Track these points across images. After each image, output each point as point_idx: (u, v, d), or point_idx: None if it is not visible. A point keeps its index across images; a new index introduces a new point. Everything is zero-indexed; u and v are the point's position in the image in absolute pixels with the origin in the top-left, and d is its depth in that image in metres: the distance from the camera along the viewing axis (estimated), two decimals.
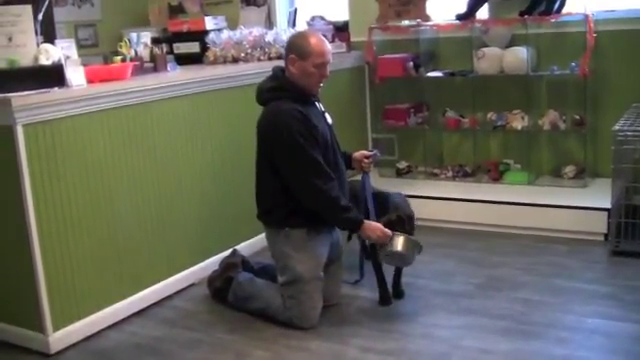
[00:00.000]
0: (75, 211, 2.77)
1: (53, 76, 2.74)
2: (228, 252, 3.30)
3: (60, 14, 4.48)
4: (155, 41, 3.89)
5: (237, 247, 3.41)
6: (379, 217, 2.88)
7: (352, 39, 4.66)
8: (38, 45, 2.81)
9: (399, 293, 3.04)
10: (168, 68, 3.46)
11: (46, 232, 2.66)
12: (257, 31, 4.12)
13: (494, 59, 4.15)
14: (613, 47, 3.99)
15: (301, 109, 2.79)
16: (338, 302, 3.01)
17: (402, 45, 4.55)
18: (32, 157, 2.59)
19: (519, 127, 4.19)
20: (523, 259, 3.43)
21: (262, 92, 2.91)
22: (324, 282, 2.88)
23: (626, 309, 2.81)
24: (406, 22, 4.44)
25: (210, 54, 4.12)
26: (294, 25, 4.69)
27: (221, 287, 3.08)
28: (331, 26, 4.62)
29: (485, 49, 4.18)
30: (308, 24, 4.70)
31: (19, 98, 2.53)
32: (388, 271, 3.01)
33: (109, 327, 2.92)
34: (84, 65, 2.92)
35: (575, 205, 3.69)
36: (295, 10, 4.78)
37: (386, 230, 2.76)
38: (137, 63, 3.28)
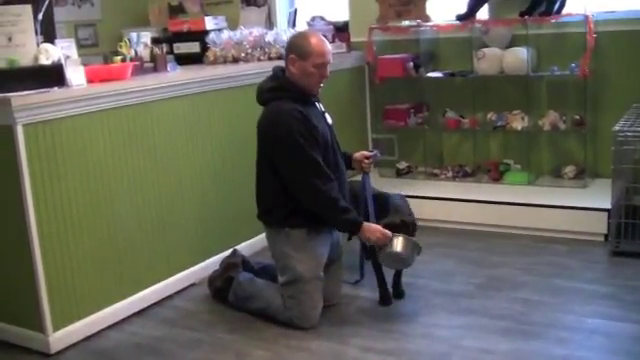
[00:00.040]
0: (75, 211, 2.77)
1: (53, 76, 2.74)
2: (228, 252, 3.30)
3: (60, 14, 4.48)
4: (155, 41, 3.89)
5: (237, 247, 3.41)
6: (379, 219, 2.88)
7: (352, 39, 4.66)
8: (38, 45, 2.81)
9: (399, 293, 3.04)
10: (168, 68, 3.46)
11: (46, 232, 2.66)
12: (257, 31, 4.12)
13: (494, 59, 4.16)
14: (613, 48, 4.00)
15: (301, 109, 2.79)
16: (338, 302, 3.01)
17: (402, 45, 4.56)
18: (32, 157, 2.59)
19: (519, 127, 4.19)
20: (523, 259, 3.43)
21: (262, 92, 2.91)
22: (324, 282, 2.88)
23: (626, 309, 2.81)
24: (406, 22, 4.44)
25: (210, 54, 4.12)
26: (294, 25, 4.69)
27: (221, 287, 3.08)
28: (331, 26, 4.62)
29: (485, 49, 4.19)
30: (308, 24, 4.70)
31: (19, 98, 2.53)
32: (388, 271, 3.01)
33: (109, 327, 2.92)
34: (84, 65, 2.92)
35: (575, 205, 3.69)
36: (295, 10, 4.79)
37: (385, 231, 2.76)
38: (137, 63, 3.28)
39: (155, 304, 3.13)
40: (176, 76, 3.35)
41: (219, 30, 4.32)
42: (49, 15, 3.17)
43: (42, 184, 2.63)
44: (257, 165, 2.94)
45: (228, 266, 3.13)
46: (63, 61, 2.79)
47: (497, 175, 4.32)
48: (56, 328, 2.72)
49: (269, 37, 4.06)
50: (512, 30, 4.20)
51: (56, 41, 2.95)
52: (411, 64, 4.42)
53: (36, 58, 2.76)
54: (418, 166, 4.67)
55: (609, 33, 3.96)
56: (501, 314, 2.83)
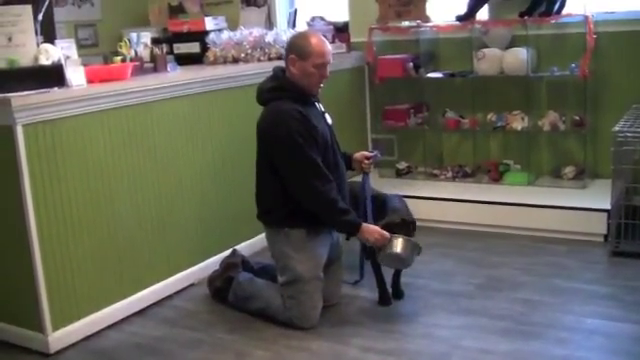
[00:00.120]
0: (75, 211, 2.77)
1: (53, 76, 2.74)
2: (228, 252, 3.30)
3: (60, 14, 4.48)
4: (155, 41, 3.89)
5: (237, 247, 3.41)
6: (377, 220, 2.88)
7: (352, 39, 4.67)
8: (38, 45, 2.81)
9: (398, 293, 3.04)
10: (168, 68, 3.46)
11: (46, 232, 2.66)
12: (257, 31, 4.12)
13: (494, 60, 4.16)
14: (613, 48, 4.00)
15: (301, 109, 2.79)
16: (338, 302, 3.01)
17: (402, 46, 4.56)
18: (32, 157, 2.59)
19: (519, 128, 4.19)
20: (523, 259, 3.43)
21: (262, 92, 2.91)
22: (324, 282, 2.88)
23: (626, 309, 2.81)
24: (406, 23, 4.44)
25: (210, 54, 4.12)
26: (294, 26, 4.69)
27: (221, 287, 3.08)
28: (331, 27, 4.62)
29: (485, 50, 4.19)
30: (308, 25, 4.70)
31: (19, 98, 2.53)
32: (387, 271, 3.01)
33: (109, 327, 2.92)
34: (84, 65, 2.92)
35: (575, 206, 3.69)
36: (295, 11, 4.79)
37: (384, 232, 2.76)
38: (137, 63, 3.28)
39: (155, 304, 3.13)
40: (176, 76, 3.35)
41: (219, 30, 4.32)
42: (49, 15, 3.17)
43: (42, 184, 2.63)
44: (257, 165, 2.94)
45: (228, 266, 3.13)
46: (63, 61, 2.79)
47: (497, 175, 4.32)
48: (55, 328, 2.72)
49: (269, 37, 4.06)
50: (512, 30, 4.20)
51: (56, 41, 2.96)
52: (411, 64, 4.42)
53: (36, 58, 2.76)
54: (418, 166, 4.67)
55: (609, 33, 3.96)
56: (501, 314, 2.83)
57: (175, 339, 2.81)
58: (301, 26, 4.74)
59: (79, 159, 2.77)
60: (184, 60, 4.14)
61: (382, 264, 2.90)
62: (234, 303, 3.02)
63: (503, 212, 3.85)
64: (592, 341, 2.58)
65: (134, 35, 3.46)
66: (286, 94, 2.83)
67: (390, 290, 3.02)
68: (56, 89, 2.71)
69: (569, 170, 4.17)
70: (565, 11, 3.99)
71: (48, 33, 3.08)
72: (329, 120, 2.99)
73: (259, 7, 5.04)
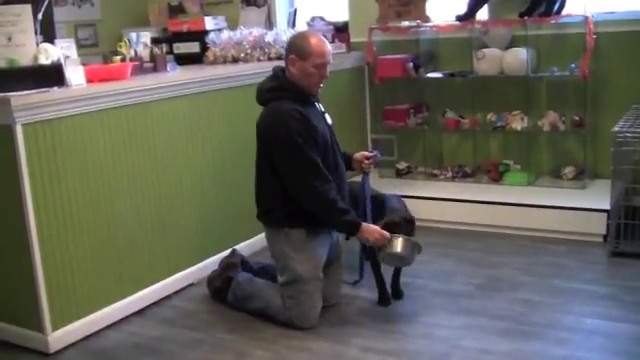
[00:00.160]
0: (75, 211, 2.77)
1: (53, 76, 2.74)
2: (227, 252, 3.30)
3: (60, 14, 4.49)
4: (155, 41, 3.89)
5: (237, 247, 3.41)
6: (376, 220, 2.88)
7: (352, 39, 4.67)
8: (38, 45, 2.81)
9: (398, 293, 3.04)
10: (168, 68, 3.46)
11: (46, 231, 2.66)
12: (257, 31, 4.12)
13: (494, 60, 4.16)
14: (613, 48, 4.00)
15: (301, 109, 2.79)
16: (338, 302, 3.01)
17: (402, 46, 4.56)
18: (32, 156, 2.59)
19: (519, 128, 4.19)
20: (522, 259, 3.43)
21: (262, 92, 2.91)
22: (324, 282, 2.88)
23: (625, 310, 2.81)
24: (406, 23, 4.44)
25: (210, 54, 4.12)
26: (294, 25, 4.69)
27: (220, 287, 3.08)
28: (331, 26, 4.62)
29: (485, 50, 4.19)
30: (308, 24, 4.70)
31: (18, 97, 2.53)
32: (387, 271, 3.01)
33: (108, 327, 2.91)
34: (84, 65, 2.92)
35: (574, 206, 3.69)
36: (295, 10, 4.78)
37: (384, 232, 2.76)
38: (137, 63, 3.28)
39: (154, 304, 3.13)
40: (176, 76, 3.35)
41: (219, 30, 4.32)
42: (49, 15, 3.17)
43: (42, 184, 2.63)
44: (257, 165, 2.94)
45: (227, 266, 3.13)
46: (63, 61, 2.79)
47: (497, 175, 4.32)
48: (55, 328, 2.72)
49: (269, 37, 4.06)
50: (512, 31, 4.20)
51: (56, 41, 2.95)
52: (411, 64, 4.42)
53: (36, 58, 2.75)
54: (418, 166, 4.67)
55: (609, 34, 3.96)
56: (500, 314, 2.83)
57: (174, 339, 2.81)
58: (301, 26, 4.73)
59: (79, 159, 2.77)
60: (184, 60, 4.14)
61: (383, 263, 2.90)
62: (233, 303, 3.01)
63: (503, 212, 3.85)
64: (592, 341, 2.58)
65: (134, 35, 3.46)
66: (286, 94, 2.82)
67: (390, 290, 3.02)
68: (56, 89, 2.71)
69: (569, 170, 4.17)
70: (565, 11, 3.99)
71: (48, 33, 3.08)
72: (329, 120, 2.98)
73: (259, 7, 5.04)
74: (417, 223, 2.93)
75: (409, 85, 4.55)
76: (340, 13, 4.82)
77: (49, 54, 2.77)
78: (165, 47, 3.78)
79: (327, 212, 2.80)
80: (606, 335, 2.62)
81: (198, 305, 3.12)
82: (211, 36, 4.18)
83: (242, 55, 4.02)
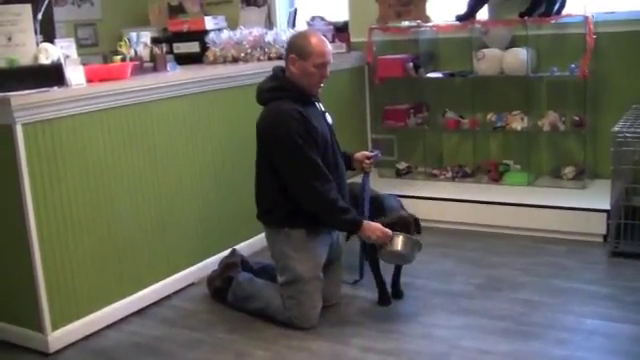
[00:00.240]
0: (75, 210, 2.77)
1: (53, 75, 2.74)
2: (227, 252, 3.30)
3: (60, 13, 4.49)
4: (155, 41, 3.89)
5: (237, 247, 3.41)
6: (373, 220, 2.88)
7: (352, 39, 4.66)
8: (38, 44, 2.81)
9: (398, 293, 3.04)
10: (168, 68, 3.46)
11: (46, 231, 2.66)
12: (257, 31, 4.12)
13: (494, 60, 4.16)
14: (613, 48, 4.00)
15: (301, 109, 2.78)
16: (338, 302, 3.01)
17: (402, 46, 4.56)
18: (31, 156, 2.59)
19: (519, 128, 4.19)
20: (522, 260, 3.43)
21: (262, 92, 2.90)
22: (324, 282, 2.88)
23: (625, 310, 2.81)
24: (406, 23, 4.44)
25: (210, 54, 4.12)
26: (294, 25, 4.69)
27: (220, 287, 3.08)
28: (331, 26, 4.62)
29: (485, 50, 4.19)
30: (308, 24, 4.70)
31: (18, 97, 2.53)
32: (387, 271, 3.01)
33: (108, 326, 2.91)
34: (84, 64, 2.92)
35: (574, 206, 3.69)
36: (295, 10, 4.79)
37: (386, 230, 2.76)
38: (137, 63, 3.28)
39: (154, 304, 3.13)
40: (176, 76, 3.35)
41: (219, 30, 4.32)
42: (49, 15, 3.16)
43: (42, 183, 2.63)
44: (257, 165, 2.94)
45: (227, 266, 3.13)
46: (63, 61, 2.79)
47: (496, 175, 4.32)
48: (55, 327, 2.72)
49: (269, 37, 4.06)
50: (512, 31, 4.20)
51: (56, 41, 2.95)
52: (411, 64, 4.42)
53: (36, 58, 2.75)
54: (418, 166, 4.67)
55: (609, 34, 3.96)
56: (500, 314, 2.83)
57: (174, 339, 2.80)
58: (301, 26, 4.73)
59: (79, 159, 2.77)
60: (184, 60, 4.14)
61: (383, 261, 2.90)
62: (233, 303, 3.01)
63: (503, 212, 3.85)
64: (592, 341, 2.58)
65: (134, 35, 3.46)
66: (286, 94, 2.82)
67: (390, 290, 3.02)
68: (56, 88, 2.71)
69: (569, 170, 4.17)
70: (565, 11, 3.99)
71: (48, 32, 3.08)
72: (329, 120, 2.98)
73: (259, 7, 5.04)
74: None
75: (409, 85, 4.55)
76: (340, 13, 4.82)
77: (49, 54, 2.77)
78: (165, 47, 3.78)
79: (328, 212, 2.79)
80: (606, 335, 2.62)
81: (198, 305, 3.12)
82: (211, 36, 4.18)
83: (242, 55, 4.02)
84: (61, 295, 2.74)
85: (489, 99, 4.35)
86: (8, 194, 2.62)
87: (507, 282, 3.16)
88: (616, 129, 3.38)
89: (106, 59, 4.02)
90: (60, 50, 2.83)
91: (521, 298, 2.98)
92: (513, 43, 4.22)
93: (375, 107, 4.70)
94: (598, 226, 3.59)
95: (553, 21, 4.02)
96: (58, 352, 2.72)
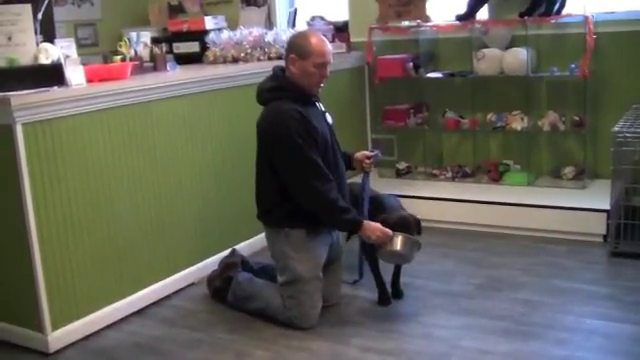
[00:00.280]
0: (75, 210, 2.77)
1: (52, 75, 2.74)
2: (227, 252, 3.30)
3: (60, 13, 4.48)
4: (155, 41, 3.89)
5: (236, 247, 3.41)
6: (373, 220, 2.88)
7: (352, 39, 4.66)
8: (38, 44, 2.81)
9: (398, 293, 3.04)
10: (168, 68, 3.46)
11: (45, 231, 2.66)
12: (257, 31, 4.12)
13: (494, 60, 4.16)
14: (613, 48, 4.00)
15: (301, 109, 2.78)
16: (338, 302, 3.01)
17: (402, 46, 4.56)
18: (31, 156, 2.59)
19: (519, 128, 4.19)
20: (522, 260, 3.43)
21: (262, 92, 2.90)
22: (324, 282, 2.88)
23: (625, 310, 2.81)
24: (406, 23, 4.44)
25: (210, 54, 4.12)
26: (294, 25, 4.69)
27: (220, 287, 3.08)
28: (331, 26, 4.62)
29: (485, 50, 4.19)
30: (308, 24, 4.70)
31: (18, 97, 2.53)
32: (386, 271, 3.01)
33: (108, 326, 2.91)
34: (84, 64, 2.92)
35: (574, 206, 3.69)
36: (295, 10, 4.79)
37: (386, 230, 2.76)
38: (137, 63, 3.28)
39: (154, 304, 3.13)
40: (176, 76, 3.35)
41: (219, 30, 4.32)
42: (49, 14, 3.16)
43: (42, 183, 2.63)
44: (257, 165, 2.93)
45: (227, 266, 3.13)
46: (63, 60, 2.79)
47: (496, 176, 4.32)
48: (55, 327, 2.72)
49: (269, 37, 4.06)
50: (512, 30, 4.20)
51: (56, 40, 2.95)
52: (411, 64, 4.42)
53: (36, 57, 2.76)
54: (418, 166, 4.67)
55: (609, 34, 3.96)
56: (500, 315, 2.83)
57: (174, 339, 2.80)
58: (301, 26, 4.73)
59: (79, 159, 2.77)
60: (184, 60, 4.14)
61: (382, 260, 2.90)
62: (233, 303, 3.01)
63: (503, 212, 3.85)
64: (592, 341, 2.58)
65: (134, 34, 3.46)
66: (286, 94, 2.82)
67: (390, 290, 3.02)
68: (56, 88, 2.71)
69: (569, 170, 4.17)
70: (565, 11, 3.99)
71: (48, 32, 3.08)
72: (329, 120, 2.98)
73: (259, 7, 5.04)
74: None
75: (409, 85, 4.55)
76: (340, 13, 4.82)
77: (49, 54, 2.77)
78: (165, 47, 3.78)
79: (328, 211, 2.79)
80: (606, 335, 2.62)
81: (198, 305, 3.12)
82: (211, 36, 4.18)
83: (242, 55, 4.02)
84: (61, 295, 2.74)
85: (489, 99, 4.35)
86: (8, 194, 2.62)
87: (507, 282, 3.16)
88: (616, 129, 3.38)
89: (106, 59, 4.02)
90: (60, 50, 2.83)
91: (521, 298, 2.98)
92: (513, 43, 4.22)
93: (375, 107, 4.70)
94: (598, 226, 3.59)
95: (553, 21, 4.03)
96: (58, 352, 2.72)
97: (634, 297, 2.93)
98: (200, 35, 4.37)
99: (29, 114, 2.56)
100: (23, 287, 2.70)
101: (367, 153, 3.11)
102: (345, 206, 2.80)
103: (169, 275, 3.23)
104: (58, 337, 2.73)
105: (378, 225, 2.77)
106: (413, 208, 3.10)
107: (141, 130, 3.05)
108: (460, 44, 4.38)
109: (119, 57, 3.28)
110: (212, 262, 3.36)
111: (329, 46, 2.86)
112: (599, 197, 3.69)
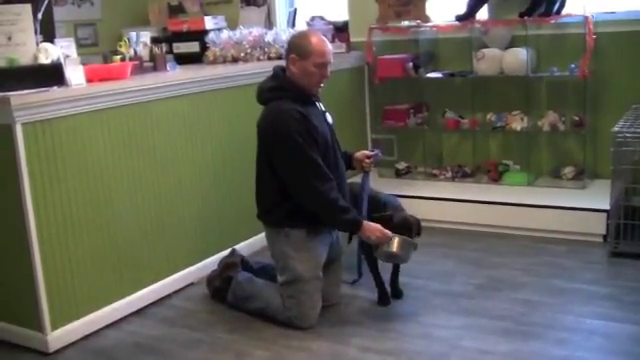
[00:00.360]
0: (75, 210, 2.76)
1: (52, 75, 2.74)
2: (227, 252, 3.30)
3: (60, 13, 4.48)
4: (155, 40, 3.89)
5: (236, 247, 3.41)
6: (372, 220, 2.88)
7: (352, 39, 4.66)
8: (38, 44, 2.80)
9: (397, 293, 3.04)
10: (168, 68, 3.46)
11: (45, 231, 2.66)
12: (257, 31, 4.12)
13: (494, 60, 4.16)
14: (613, 48, 4.00)
15: (301, 109, 2.78)
16: (337, 302, 3.01)
17: (402, 46, 4.56)
18: (31, 156, 2.59)
19: (518, 128, 4.19)
20: (522, 260, 3.43)
21: (262, 92, 2.90)
22: (323, 282, 2.88)
23: (625, 310, 2.81)
24: (406, 23, 4.44)
25: (210, 54, 4.12)
26: (294, 25, 4.69)
27: (220, 287, 3.08)
28: (331, 26, 4.62)
29: (485, 50, 4.19)
30: (308, 24, 4.70)
31: (18, 97, 2.53)
32: (386, 271, 3.01)
33: (108, 326, 2.91)
34: (83, 64, 2.92)
35: (574, 206, 3.69)
36: (295, 10, 4.79)
37: (386, 231, 2.76)
38: (136, 62, 3.28)
39: (154, 303, 3.13)
40: (175, 76, 3.35)
41: (219, 30, 4.32)
42: (49, 14, 3.16)
43: (41, 183, 2.63)
44: (257, 165, 2.93)
45: (227, 266, 3.13)
46: (62, 60, 2.78)
47: (496, 176, 4.32)
48: (54, 327, 2.72)
49: (269, 37, 4.06)
50: (512, 31, 4.20)
51: (56, 40, 2.95)
52: (411, 64, 4.42)
53: (36, 57, 2.75)
54: (417, 166, 4.67)
55: (609, 34, 3.96)
56: (500, 315, 2.83)
57: (174, 339, 2.80)
58: (301, 26, 4.73)
59: (78, 158, 2.77)
60: (184, 59, 4.14)
61: (379, 258, 2.90)
62: (233, 303, 3.01)
63: (503, 212, 3.85)
64: (591, 341, 2.58)
65: (134, 34, 3.46)
66: (286, 94, 2.82)
67: (389, 290, 3.02)
68: (55, 88, 2.71)
69: (569, 170, 4.17)
70: (565, 11, 3.98)
71: (48, 32, 3.07)
72: (330, 119, 2.98)
73: (259, 6, 5.04)
74: None
75: (409, 85, 4.55)
76: (340, 13, 4.81)
77: (49, 53, 2.77)
78: (165, 47, 3.78)
79: (328, 211, 2.79)
80: (606, 335, 2.62)
81: (198, 305, 3.12)
82: (211, 36, 4.18)
83: (242, 55, 4.02)
84: (61, 295, 2.73)
85: (489, 99, 4.35)
86: (8, 194, 2.62)
87: (507, 282, 3.16)
88: (616, 129, 3.38)
89: (106, 59, 4.02)
90: (60, 50, 2.83)
91: (521, 298, 2.98)
92: (513, 43, 4.22)
93: (375, 107, 4.70)
94: (598, 226, 3.59)
95: (553, 21, 4.02)
96: (58, 352, 2.72)
97: (634, 297, 2.93)
98: (200, 35, 4.37)
99: (29, 114, 2.56)
100: (23, 287, 2.70)
101: (367, 153, 3.11)
102: (345, 206, 2.80)
103: (169, 275, 3.23)
104: (58, 337, 2.73)
105: (378, 226, 2.77)
106: (413, 208, 3.10)
107: (141, 130, 3.05)
108: (460, 44, 4.38)
109: (119, 57, 3.28)
110: (212, 262, 3.36)
111: (329, 46, 2.86)
112: (599, 197, 3.69)
